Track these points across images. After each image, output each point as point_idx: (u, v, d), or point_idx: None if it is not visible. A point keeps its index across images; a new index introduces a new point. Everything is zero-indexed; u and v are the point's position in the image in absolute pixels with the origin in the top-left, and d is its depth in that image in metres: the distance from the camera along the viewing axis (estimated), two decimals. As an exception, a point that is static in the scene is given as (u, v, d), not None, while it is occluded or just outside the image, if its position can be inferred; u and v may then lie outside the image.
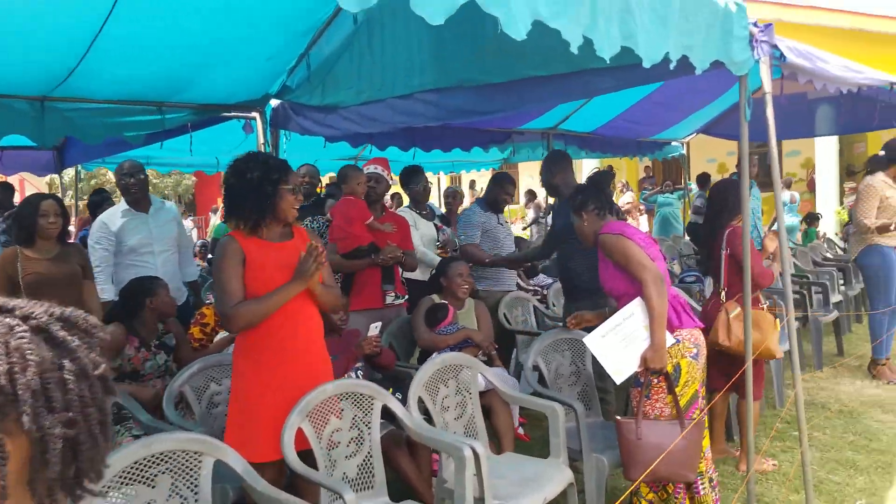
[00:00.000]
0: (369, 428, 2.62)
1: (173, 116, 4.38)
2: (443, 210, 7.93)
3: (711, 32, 2.97)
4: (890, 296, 5.30)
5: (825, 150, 12.05)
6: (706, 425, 3.03)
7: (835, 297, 6.69)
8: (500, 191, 4.94)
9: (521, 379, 3.92)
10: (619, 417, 2.92)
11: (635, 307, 2.82)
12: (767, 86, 3.29)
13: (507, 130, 7.56)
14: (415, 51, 4.12)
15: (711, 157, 16.48)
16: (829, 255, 8.90)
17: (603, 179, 3.40)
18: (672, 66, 2.77)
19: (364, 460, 2.60)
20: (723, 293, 3.82)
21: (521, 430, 3.93)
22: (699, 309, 5.28)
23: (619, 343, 2.80)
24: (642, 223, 13.45)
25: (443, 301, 3.85)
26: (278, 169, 2.57)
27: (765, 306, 3.98)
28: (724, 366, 3.73)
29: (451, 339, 3.67)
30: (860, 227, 5.29)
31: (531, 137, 8.00)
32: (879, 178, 5.29)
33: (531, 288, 6.24)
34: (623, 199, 13.87)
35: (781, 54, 3.28)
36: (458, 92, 4.10)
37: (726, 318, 3.70)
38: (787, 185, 11.90)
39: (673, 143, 10.65)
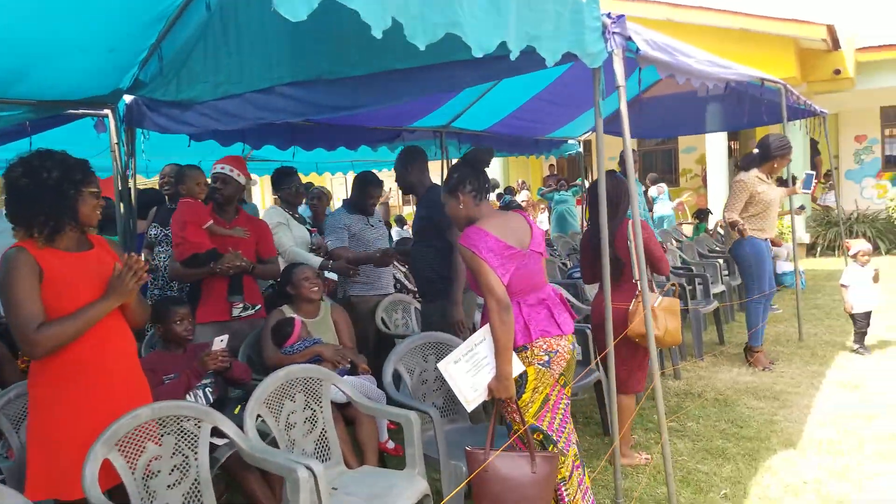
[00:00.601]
0: (196, 453, 2.39)
1: (6, 115, 3.97)
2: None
3: (561, 22, 2.89)
4: (764, 284, 5.46)
5: (715, 147, 12.48)
6: (575, 452, 2.88)
7: (717, 288, 6.87)
8: (364, 193, 4.77)
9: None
10: (467, 448, 2.72)
11: (488, 333, 2.65)
12: (620, 78, 3.25)
13: (397, 129, 7.40)
14: (271, 41, 3.89)
15: (612, 155, 16.88)
16: (717, 247, 9.17)
17: (479, 157, 3.08)
18: (513, 57, 2.66)
19: (191, 488, 2.37)
20: (639, 284, 3.83)
21: (390, 444, 3.74)
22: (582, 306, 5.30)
23: (470, 369, 2.65)
24: (542, 220, 13.58)
25: (289, 316, 3.62)
26: (80, 169, 2.31)
27: (658, 293, 4.02)
28: (625, 358, 3.76)
29: (299, 357, 3.43)
30: (728, 218, 5.42)
31: (423, 135, 7.85)
32: (752, 174, 5.42)
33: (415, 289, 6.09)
34: (519, 197, 14.03)
35: (637, 47, 3.24)
36: (318, 85, 3.90)
37: (654, 309, 3.68)
38: (653, 182, 12.38)
39: (570, 142, 10.80)
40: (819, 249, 12.03)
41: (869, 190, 14.16)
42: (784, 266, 9.03)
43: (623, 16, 3.10)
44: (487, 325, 2.65)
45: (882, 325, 6.38)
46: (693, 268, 6.96)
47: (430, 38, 2.04)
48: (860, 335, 5.63)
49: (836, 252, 11.99)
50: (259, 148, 6.13)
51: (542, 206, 14.02)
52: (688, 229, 12.05)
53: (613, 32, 3.08)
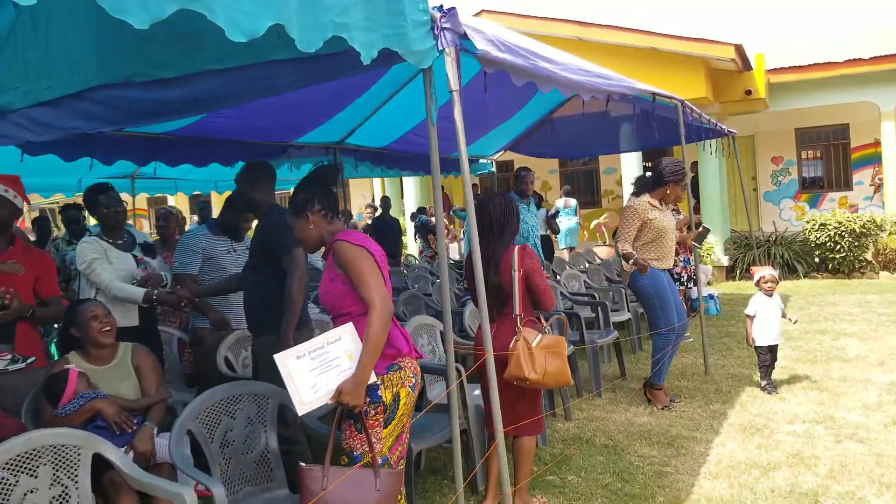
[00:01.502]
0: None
1: None
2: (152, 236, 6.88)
3: (374, 12, 2.37)
4: (670, 316, 5.00)
5: (630, 167, 12.26)
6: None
7: (622, 316, 6.46)
8: (237, 215, 4.20)
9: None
10: (302, 465, 2.47)
11: (345, 332, 2.48)
12: (454, 82, 2.75)
13: (282, 144, 6.79)
14: (77, 42, 3.30)
15: (538, 176, 16.62)
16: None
17: (326, 175, 2.82)
18: (313, 48, 2.16)
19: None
20: (518, 319, 3.43)
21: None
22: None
23: (314, 368, 2.42)
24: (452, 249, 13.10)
25: (66, 367, 2.94)
26: None
27: (547, 329, 3.55)
28: (513, 400, 3.38)
29: (74, 417, 2.78)
30: (621, 249, 4.98)
31: (313, 152, 7.26)
32: (644, 200, 5.01)
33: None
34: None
35: (475, 46, 2.74)
36: (129, 89, 3.30)
37: (527, 347, 3.28)
38: (566, 194, 12.15)
39: (481, 161, 10.38)
40: (738, 272, 11.90)
41: (787, 212, 14.21)
42: (697, 292, 8.73)
43: (454, 9, 2.59)
44: (346, 324, 2.50)
45: (793, 355, 6.08)
46: (597, 294, 6.53)
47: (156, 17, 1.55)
48: (765, 369, 5.22)
49: (755, 274, 11.88)
50: (110, 164, 5.43)
51: (454, 226, 13.58)
52: (603, 251, 11.77)
53: (443, 28, 2.56)
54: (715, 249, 11.89)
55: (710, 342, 6.95)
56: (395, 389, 2.58)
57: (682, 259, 8.17)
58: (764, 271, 5.36)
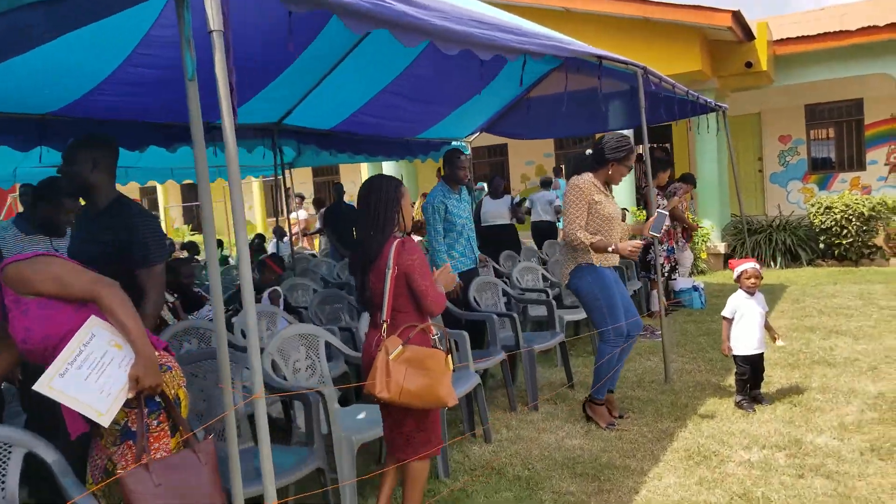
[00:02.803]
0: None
1: None
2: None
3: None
4: (619, 318, 4.26)
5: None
6: None
7: (579, 314, 5.72)
8: (52, 207, 3.56)
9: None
10: (121, 472, 2.16)
11: (93, 327, 2.23)
12: (214, 20, 2.06)
13: (205, 124, 6.08)
14: None
15: (529, 159, 15.85)
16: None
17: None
18: None
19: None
20: (384, 326, 2.84)
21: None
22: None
23: (88, 376, 2.17)
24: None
25: None
26: None
27: (437, 338, 2.91)
28: (395, 421, 2.87)
29: None
30: (572, 239, 4.23)
31: (243, 134, 6.58)
32: (587, 179, 4.27)
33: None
34: (300, 215, 13.14)
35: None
36: None
37: (385, 359, 2.72)
38: (543, 184, 11.32)
39: (454, 143, 9.63)
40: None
41: (795, 194, 13.28)
42: (682, 283, 7.96)
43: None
44: (89, 320, 2.23)
45: (772, 358, 5.29)
46: (551, 290, 5.78)
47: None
48: (742, 384, 4.41)
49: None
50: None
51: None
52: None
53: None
54: (711, 235, 11.05)
55: (681, 341, 6.21)
56: (173, 391, 2.38)
57: (665, 248, 7.42)
58: (746, 265, 4.50)
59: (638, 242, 4.09)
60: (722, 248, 11.07)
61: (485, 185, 10.13)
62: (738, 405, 4.35)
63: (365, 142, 7.80)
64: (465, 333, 4.03)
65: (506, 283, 5.97)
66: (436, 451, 2.95)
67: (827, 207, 10.48)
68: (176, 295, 4.78)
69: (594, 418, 4.28)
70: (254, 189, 19.86)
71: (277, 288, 5.06)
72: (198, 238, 18.06)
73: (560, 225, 12.80)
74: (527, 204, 10.81)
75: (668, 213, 4.45)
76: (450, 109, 7.92)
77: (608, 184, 4.38)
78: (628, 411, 4.46)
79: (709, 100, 7.47)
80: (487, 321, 4.56)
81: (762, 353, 4.39)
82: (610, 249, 4.11)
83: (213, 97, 6.01)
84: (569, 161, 13.24)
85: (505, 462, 3.75)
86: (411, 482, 2.90)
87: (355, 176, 17.21)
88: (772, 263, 10.85)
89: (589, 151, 4.47)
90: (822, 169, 13.20)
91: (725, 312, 4.47)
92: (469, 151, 10.12)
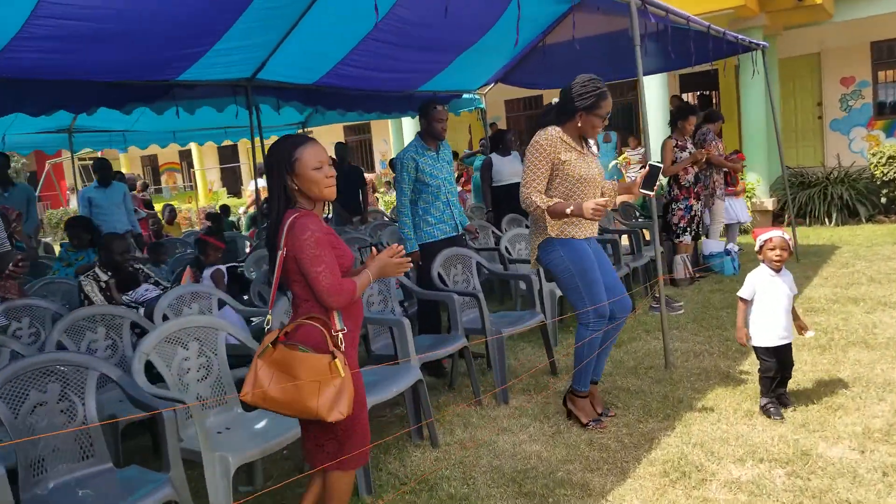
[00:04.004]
0: None
1: None
2: None
3: None
4: (598, 295, 3.54)
5: (653, 96, 10.41)
6: None
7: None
8: None
9: None
10: None
11: None
12: None
13: (162, 83, 5.56)
14: None
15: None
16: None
17: None
18: None
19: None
20: (269, 317, 2.45)
21: None
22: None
23: None
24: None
25: None
26: None
27: (341, 333, 2.36)
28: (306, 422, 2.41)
29: None
30: (527, 205, 3.55)
31: (213, 92, 6.03)
32: (553, 134, 3.54)
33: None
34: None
35: None
36: None
37: (255, 360, 2.32)
38: (605, 127, 10.50)
39: (465, 96, 8.88)
40: (786, 218, 10.00)
41: (858, 142, 11.97)
42: (712, 246, 7.11)
43: None
44: None
45: (800, 338, 4.47)
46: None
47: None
48: (767, 382, 3.53)
49: (808, 220, 9.97)
50: None
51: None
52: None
53: None
54: (757, 190, 10.02)
55: (700, 315, 5.45)
56: None
57: (682, 205, 6.58)
58: (771, 233, 3.57)
59: (602, 200, 3.35)
60: (770, 203, 10.04)
61: (486, 141, 9.25)
62: (765, 410, 3.50)
63: (358, 97, 7.16)
64: (404, 321, 3.42)
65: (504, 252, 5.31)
66: (356, 463, 2.43)
67: (890, 157, 9.30)
68: (109, 273, 4.32)
69: (575, 413, 3.63)
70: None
71: (220, 267, 4.54)
72: (233, 201, 17.83)
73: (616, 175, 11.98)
74: None
75: (661, 165, 3.64)
76: (449, 57, 7.17)
77: (584, 138, 3.65)
78: (614, 405, 3.80)
79: (741, 36, 6.50)
80: (448, 301, 3.93)
81: (790, 343, 3.56)
82: (567, 211, 3.40)
83: (168, 51, 5.42)
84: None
85: (443, 475, 3.15)
86: (328, 497, 2.43)
87: (386, 134, 16.59)
88: (826, 220, 9.78)
89: (555, 100, 3.73)
90: (889, 114, 11.80)
91: (742, 292, 3.62)
92: (483, 104, 9.36)
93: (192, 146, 18.90)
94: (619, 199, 3.82)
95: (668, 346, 4.32)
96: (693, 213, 6.65)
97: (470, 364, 3.94)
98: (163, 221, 10.18)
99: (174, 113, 5.69)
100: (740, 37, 6.47)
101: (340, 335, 2.35)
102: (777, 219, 10.19)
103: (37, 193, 18.33)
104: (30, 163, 21.95)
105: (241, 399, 2.32)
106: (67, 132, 8.18)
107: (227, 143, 11.52)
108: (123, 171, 22.27)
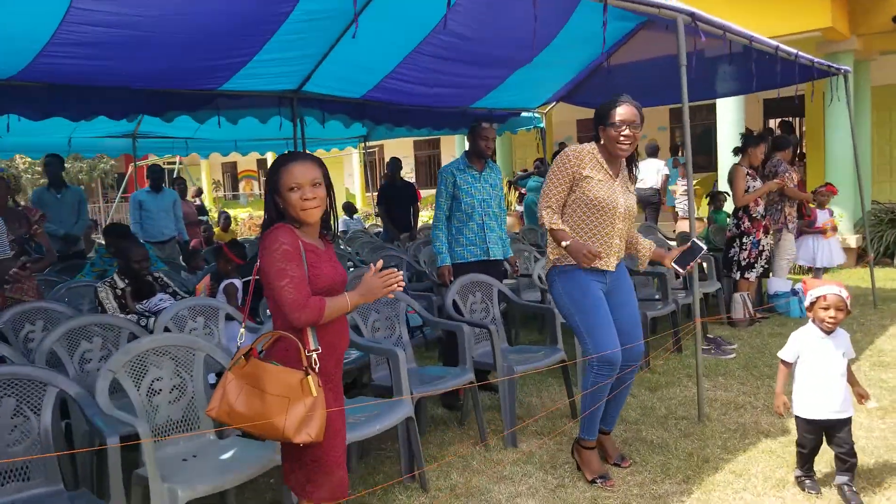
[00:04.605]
0: None
1: None
2: None
3: None
4: (602, 339, 3.14)
5: (726, 118, 9.77)
6: None
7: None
8: None
9: None
10: None
11: None
12: None
13: (206, 92, 5.56)
14: None
15: (642, 133, 14.26)
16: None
17: None
18: None
19: None
20: (242, 332, 2.40)
21: None
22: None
23: None
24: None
25: None
26: None
27: (315, 353, 2.23)
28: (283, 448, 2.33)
29: None
30: (540, 221, 3.28)
31: (258, 102, 6.00)
32: (585, 148, 3.27)
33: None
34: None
35: None
36: None
37: (226, 374, 2.25)
38: (650, 153, 10.01)
39: (524, 115, 8.62)
40: (875, 257, 9.19)
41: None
42: (778, 284, 6.55)
43: None
44: None
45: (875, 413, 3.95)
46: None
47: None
48: (802, 458, 3.05)
49: (896, 261, 9.14)
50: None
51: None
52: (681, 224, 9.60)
53: None
54: (841, 226, 9.24)
55: (752, 361, 4.98)
56: None
57: (751, 239, 6.10)
58: (825, 288, 2.96)
59: (594, 249, 3.04)
60: (854, 241, 9.26)
61: (539, 161, 8.92)
62: (799, 483, 3.05)
63: (406, 112, 7.02)
64: (399, 351, 3.18)
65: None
66: (331, 497, 2.28)
67: None
68: (126, 280, 4.29)
69: (582, 468, 3.30)
70: (353, 160, 19.74)
71: (235, 281, 4.43)
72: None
73: (669, 201, 11.37)
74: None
75: (704, 248, 3.25)
76: (503, 73, 6.93)
77: (626, 166, 3.35)
78: (631, 458, 3.43)
79: (818, 60, 5.98)
80: (457, 332, 3.67)
81: (846, 419, 2.94)
82: (563, 244, 3.10)
83: (209, 60, 5.39)
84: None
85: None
86: None
87: (454, 150, 16.48)
88: (916, 264, 8.93)
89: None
90: None
91: (784, 353, 3.09)
92: (543, 123, 9.05)
93: (269, 155, 19.40)
94: (647, 261, 3.47)
95: (703, 396, 3.91)
96: (761, 247, 6.15)
97: (476, 402, 3.66)
98: (217, 229, 10.36)
99: (216, 123, 5.69)
100: (817, 60, 5.94)
101: (315, 356, 2.18)
102: (861, 259, 9.39)
103: (121, 195, 19.13)
104: (119, 164, 23.05)
105: (206, 414, 2.23)
106: (132, 137, 8.41)
107: (269, 154, 11.65)
108: (204, 176, 23.13)
